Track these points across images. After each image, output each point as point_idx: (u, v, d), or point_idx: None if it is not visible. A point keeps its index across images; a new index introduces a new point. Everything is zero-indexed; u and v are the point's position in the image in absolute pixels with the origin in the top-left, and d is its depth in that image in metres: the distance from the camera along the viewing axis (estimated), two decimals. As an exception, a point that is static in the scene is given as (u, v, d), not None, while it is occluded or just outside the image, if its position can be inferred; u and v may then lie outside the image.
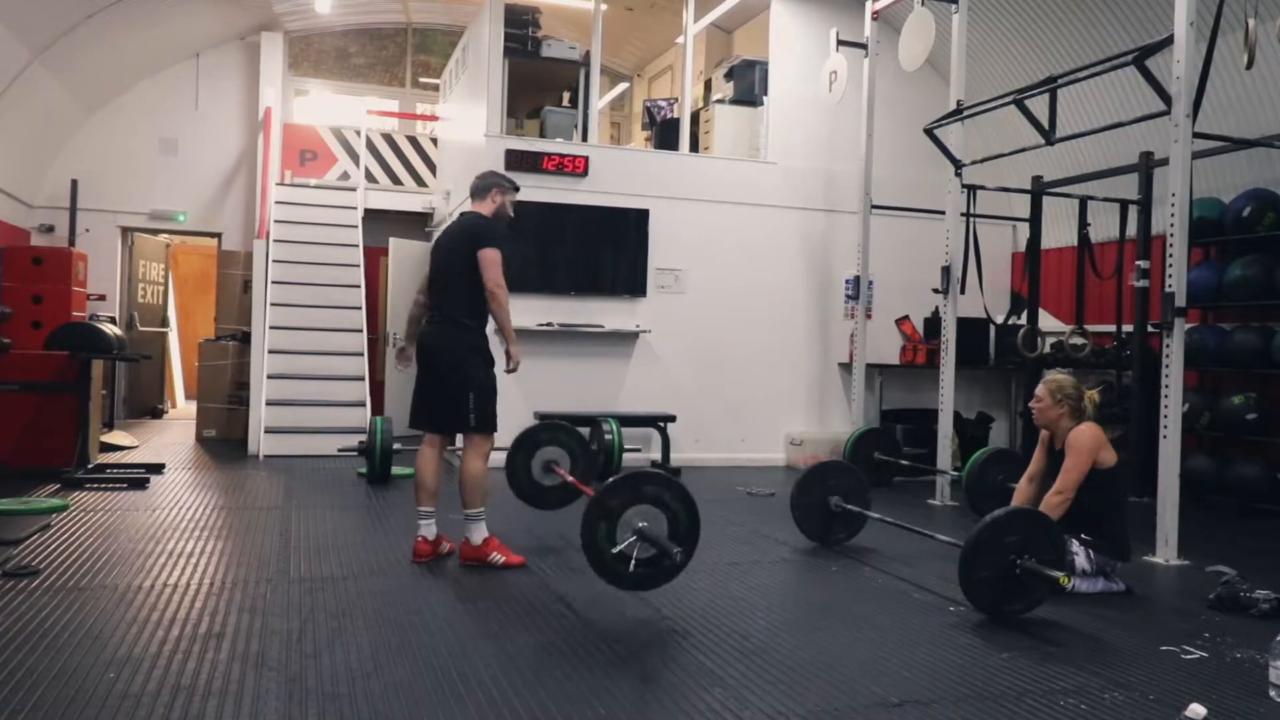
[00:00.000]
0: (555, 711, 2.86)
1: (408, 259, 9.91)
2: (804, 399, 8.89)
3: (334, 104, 12.04)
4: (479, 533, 4.62)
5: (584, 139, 8.68)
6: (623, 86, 12.36)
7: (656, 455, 8.17)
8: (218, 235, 11.30)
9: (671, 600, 4.06)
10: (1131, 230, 7.25)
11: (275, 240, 9.55)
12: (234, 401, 9.36)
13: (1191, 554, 5.11)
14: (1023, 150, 6.77)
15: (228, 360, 9.43)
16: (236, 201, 11.26)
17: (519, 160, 7.95)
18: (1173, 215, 5.14)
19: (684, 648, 3.51)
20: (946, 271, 7.00)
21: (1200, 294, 6.97)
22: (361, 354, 9.22)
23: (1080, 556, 4.41)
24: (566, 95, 9.30)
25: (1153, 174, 7.07)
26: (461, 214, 4.86)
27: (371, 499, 6.52)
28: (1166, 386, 5.15)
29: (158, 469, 7.28)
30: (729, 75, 9.51)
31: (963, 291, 7.06)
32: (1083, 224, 7.57)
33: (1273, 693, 3.12)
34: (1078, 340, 7.60)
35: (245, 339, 9.28)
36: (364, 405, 8.79)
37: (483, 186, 4.79)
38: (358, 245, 10.13)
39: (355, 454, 7.40)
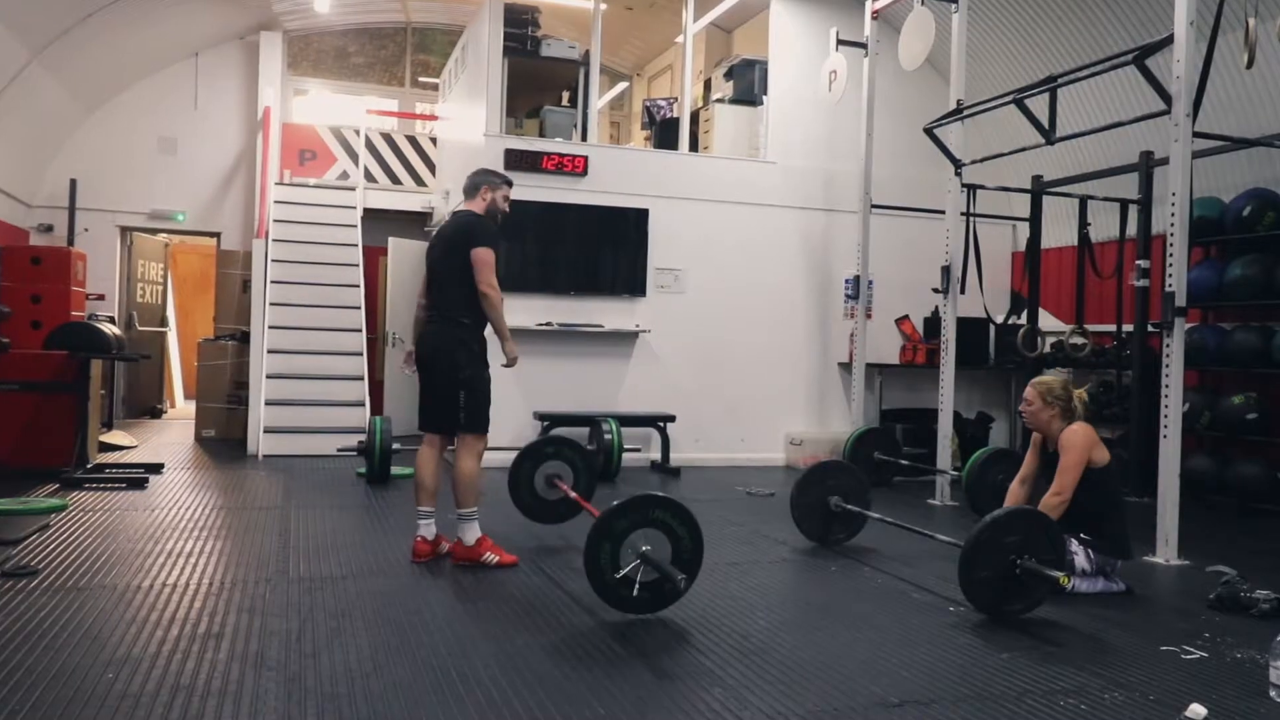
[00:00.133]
0: (555, 711, 2.86)
1: (407, 258, 9.89)
2: (804, 399, 8.89)
3: (333, 103, 12.04)
4: (472, 533, 4.62)
5: (583, 138, 8.68)
6: (622, 86, 12.35)
7: (656, 455, 8.18)
8: (217, 235, 11.29)
9: (671, 600, 4.06)
10: (1131, 230, 7.24)
11: (274, 240, 9.55)
12: (233, 401, 9.36)
13: (1192, 554, 5.12)
14: (1023, 150, 6.77)
15: (227, 360, 9.42)
16: (235, 201, 11.25)
17: (518, 160, 7.95)
18: (1173, 215, 5.14)
19: (684, 648, 3.51)
20: (946, 271, 7.00)
21: (1200, 293, 6.96)
22: (361, 354, 9.21)
23: (1080, 556, 4.41)
24: (566, 95, 9.29)
25: (1153, 173, 7.06)
26: (454, 213, 4.86)
27: (371, 499, 6.51)
28: (1167, 386, 5.15)
29: (157, 469, 7.27)
30: (729, 75, 9.50)
31: (963, 291, 7.06)
32: (1083, 223, 7.57)
33: (1273, 693, 3.12)
34: (1078, 340, 7.60)
35: (244, 339, 9.27)
36: (363, 405, 8.78)
37: (473, 185, 4.79)
38: (357, 245, 10.12)
39: (354, 454, 7.39)
